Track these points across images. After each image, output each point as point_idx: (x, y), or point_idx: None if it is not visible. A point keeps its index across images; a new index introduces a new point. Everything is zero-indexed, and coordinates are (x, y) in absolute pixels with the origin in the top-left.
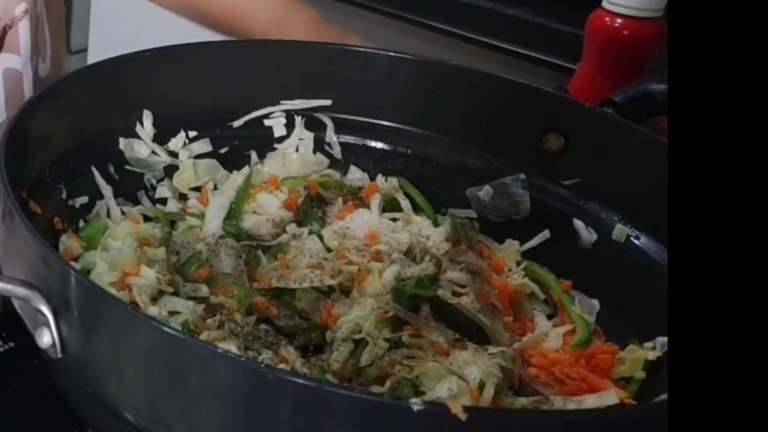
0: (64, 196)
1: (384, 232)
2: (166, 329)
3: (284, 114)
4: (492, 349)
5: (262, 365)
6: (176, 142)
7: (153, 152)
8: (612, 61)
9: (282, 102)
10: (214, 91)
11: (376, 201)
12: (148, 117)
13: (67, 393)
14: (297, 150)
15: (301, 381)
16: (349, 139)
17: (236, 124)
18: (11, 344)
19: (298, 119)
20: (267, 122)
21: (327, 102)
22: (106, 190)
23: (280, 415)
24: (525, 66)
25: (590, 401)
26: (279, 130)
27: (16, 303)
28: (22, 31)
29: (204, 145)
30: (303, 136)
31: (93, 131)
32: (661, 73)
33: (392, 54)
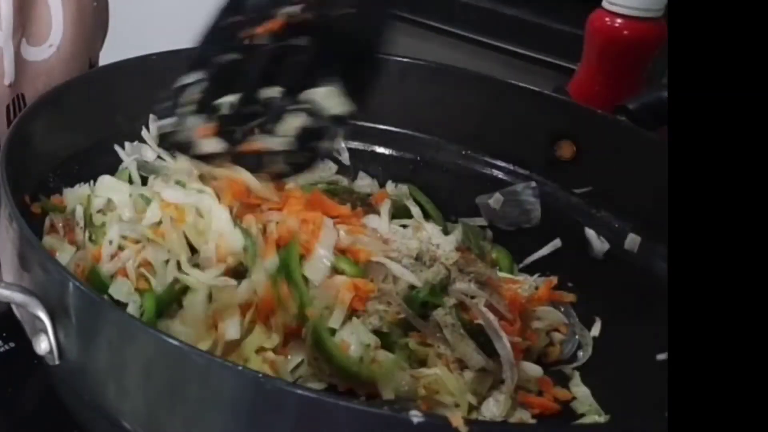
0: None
1: (393, 239)
2: (165, 338)
3: None
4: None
5: (260, 375)
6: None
7: (159, 157)
8: (612, 62)
9: None
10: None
11: (385, 207)
12: (154, 121)
13: (65, 400)
14: None
15: (300, 392)
16: (358, 145)
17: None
18: (11, 344)
19: None
20: None
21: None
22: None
23: (280, 425)
24: (525, 66)
25: None
26: None
27: (15, 309)
28: (4, 6)
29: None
30: None
31: (98, 135)
32: (662, 74)
33: (402, 59)
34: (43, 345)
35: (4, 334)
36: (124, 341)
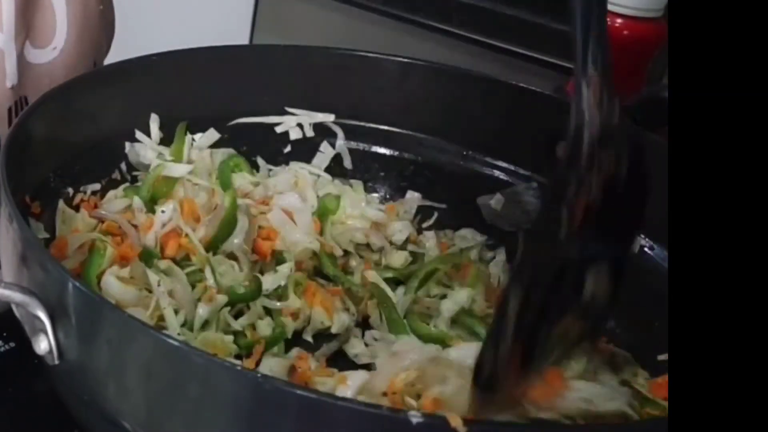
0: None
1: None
2: (164, 338)
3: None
4: None
5: (259, 375)
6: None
7: (161, 154)
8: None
9: (288, 109)
10: (221, 95)
11: None
12: (155, 121)
13: (65, 399)
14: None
15: (299, 392)
16: (358, 145)
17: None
18: (11, 344)
19: (307, 126)
20: (279, 129)
21: (330, 117)
22: None
23: (280, 425)
24: (525, 66)
25: None
26: (295, 133)
27: (15, 308)
28: (5, 8)
29: (211, 135)
30: (323, 149)
31: (100, 135)
32: (662, 74)
33: (402, 59)
34: (43, 345)
35: (4, 334)
36: (124, 341)
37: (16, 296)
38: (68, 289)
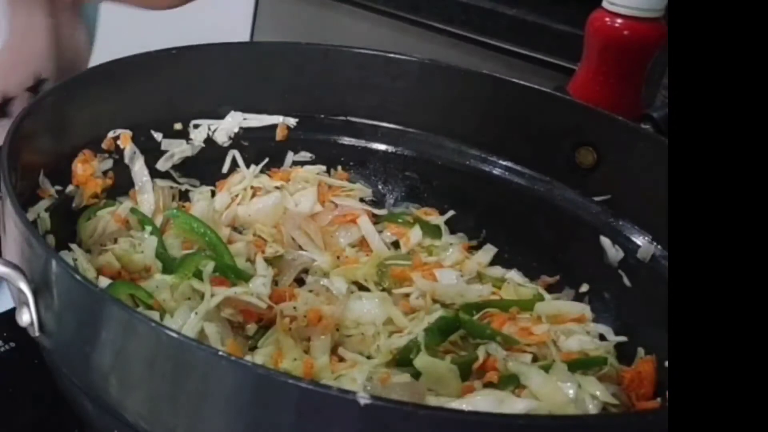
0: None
1: None
2: (138, 317)
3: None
4: None
5: (258, 367)
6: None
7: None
8: (612, 62)
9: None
10: (218, 93)
11: None
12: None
13: (64, 393)
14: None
15: (302, 384)
16: (360, 143)
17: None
18: (12, 344)
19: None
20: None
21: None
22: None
23: (282, 418)
24: (525, 66)
25: None
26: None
27: (5, 283)
28: None
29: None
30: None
31: (100, 134)
32: (662, 74)
33: (404, 58)
34: (25, 317)
35: (5, 334)
36: (104, 321)
37: (0, 269)
38: (50, 266)
